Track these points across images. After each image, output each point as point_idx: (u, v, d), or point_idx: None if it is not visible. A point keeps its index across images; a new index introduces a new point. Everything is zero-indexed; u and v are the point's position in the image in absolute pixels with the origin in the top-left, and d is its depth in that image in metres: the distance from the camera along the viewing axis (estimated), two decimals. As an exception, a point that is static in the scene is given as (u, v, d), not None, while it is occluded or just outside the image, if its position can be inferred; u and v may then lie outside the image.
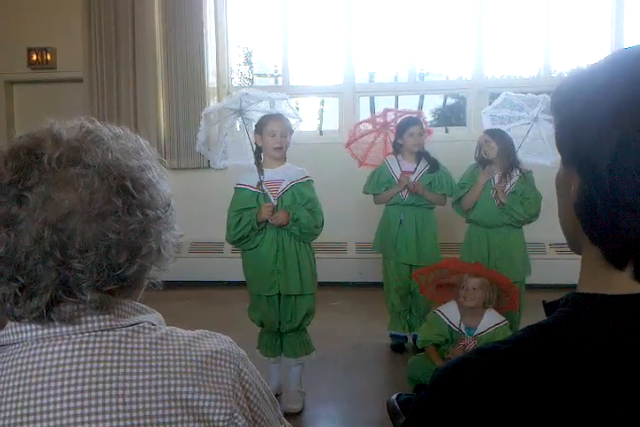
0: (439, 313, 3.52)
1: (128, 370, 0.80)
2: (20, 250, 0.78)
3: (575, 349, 0.60)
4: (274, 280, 3.27)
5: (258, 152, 3.34)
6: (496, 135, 4.02)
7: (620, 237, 0.60)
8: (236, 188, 3.34)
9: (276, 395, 3.40)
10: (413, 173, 4.19)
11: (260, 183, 3.24)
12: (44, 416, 0.77)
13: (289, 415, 3.20)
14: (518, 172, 3.98)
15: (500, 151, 3.97)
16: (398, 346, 4.28)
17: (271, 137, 3.22)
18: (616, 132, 0.59)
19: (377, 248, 4.47)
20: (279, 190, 3.25)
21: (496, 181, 3.99)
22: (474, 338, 3.40)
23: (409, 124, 4.20)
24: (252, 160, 3.37)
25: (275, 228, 3.22)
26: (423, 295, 3.96)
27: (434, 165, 4.19)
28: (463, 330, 3.44)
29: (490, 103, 6.34)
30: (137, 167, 0.86)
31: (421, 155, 4.22)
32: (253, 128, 3.42)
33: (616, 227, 0.60)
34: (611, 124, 0.60)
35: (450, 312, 3.50)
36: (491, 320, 3.44)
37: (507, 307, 3.61)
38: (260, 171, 3.26)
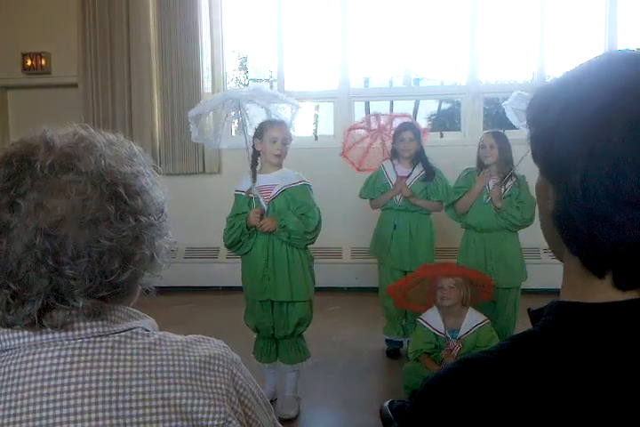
0: (421, 321, 3.53)
1: (121, 376, 0.80)
2: (12, 257, 0.78)
3: (559, 358, 0.61)
4: (264, 286, 3.26)
5: (254, 156, 3.34)
6: (499, 140, 3.98)
7: (597, 247, 0.61)
8: (235, 193, 3.37)
9: (271, 400, 3.40)
10: (407, 177, 4.21)
11: (249, 189, 3.25)
12: (37, 423, 0.77)
13: (284, 421, 3.20)
14: (513, 177, 3.98)
15: (499, 157, 3.96)
16: (393, 351, 4.27)
17: (272, 143, 3.22)
18: (587, 143, 0.59)
19: (372, 253, 4.47)
20: (270, 195, 3.25)
21: (491, 186, 3.99)
22: (458, 340, 3.42)
23: (400, 130, 4.24)
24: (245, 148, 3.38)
25: (265, 233, 3.22)
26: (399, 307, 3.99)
27: (430, 173, 4.19)
28: (447, 334, 3.44)
29: (484, 109, 6.38)
30: (130, 174, 0.85)
31: (417, 160, 4.23)
32: (251, 123, 3.44)
33: (592, 237, 0.60)
34: (583, 133, 0.60)
35: (431, 319, 3.51)
36: (472, 320, 3.46)
37: (480, 297, 3.63)
38: (253, 176, 3.27)
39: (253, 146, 3.33)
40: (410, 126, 4.27)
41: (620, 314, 0.61)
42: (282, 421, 3.16)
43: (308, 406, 3.48)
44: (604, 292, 0.62)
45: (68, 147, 0.84)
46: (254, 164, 3.33)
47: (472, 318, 3.46)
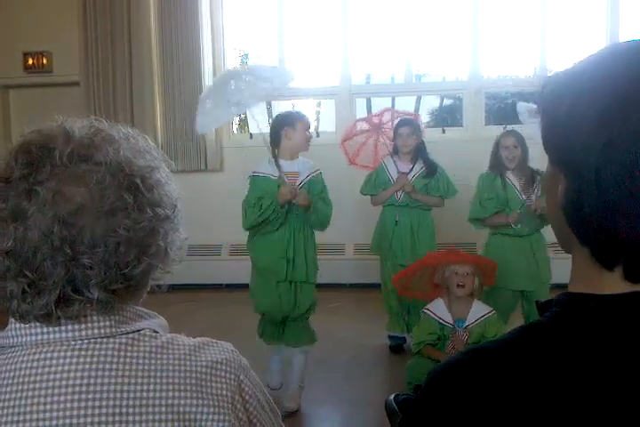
0: (427, 311, 3.53)
1: (126, 380, 0.79)
2: (29, 245, 0.77)
3: (567, 348, 0.61)
4: (282, 265, 3.38)
5: (275, 143, 3.45)
6: (520, 139, 3.81)
7: (608, 238, 0.60)
8: (253, 176, 3.45)
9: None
10: (409, 173, 4.21)
11: (281, 175, 3.35)
12: (40, 424, 0.77)
13: (287, 414, 3.23)
14: (537, 176, 3.83)
15: (522, 158, 3.81)
16: (396, 347, 4.28)
17: (307, 131, 3.46)
18: (603, 133, 0.59)
19: (374, 250, 4.48)
20: (298, 183, 3.41)
21: (519, 189, 3.81)
22: (465, 330, 3.42)
23: (399, 126, 4.25)
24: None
25: (291, 216, 3.36)
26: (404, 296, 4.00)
27: (431, 169, 4.19)
28: (453, 324, 3.44)
29: (486, 104, 6.37)
30: (146, 167, 0.85)
31: (418, 156, 4.23)
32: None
33: (604, 229, 0.60)
34: (598, 124, 0.60)
35: (437, 308, 3.51)
36: (479, 311, 3.46)
37: (484, 283, 3.66)
38: (277, 163, 3.39)
39: (278, 134, 3.43)
40: (408, 122, 4.27)
41: (630, 305, 0.60)
42: (284, 415, 3.17)
43: (310, 403, 3.48)
44: (613, 284, 0.62)
45: (87, 138, 0.83)
46: (275, 151, 3.45)
47: (478, 309, 3.47)
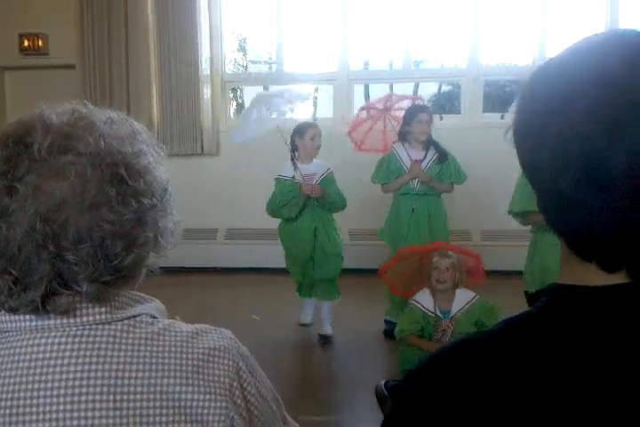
0: (414, 302, 3.54)
1: (121, 366, 0.79)
2: (13, 242, 0.76)
3: (553, 338, 0.61)
4: (308, 244, 4.15)
5: (293, 151, 4.16)
6: None
7: (575, 232, 0.62)
8: (278, 178, 4.17)
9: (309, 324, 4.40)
10: (423, 161, 4.18)
11: (299, 176, 4.12)
12: (34, 409, 0.76)
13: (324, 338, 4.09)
14: None
15: None
16: (391, 332, 4.29)
17: (311, 140, 4.11)
18: (551, 135, 0.60)
19: (385, 237, 4.44)
20: (314, 182, 4.11)
21: None
22: (451, 320, 3.42)
23: (418, 111, 4.17)
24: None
25: (312, 208, 4.11)
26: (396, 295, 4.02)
27: (443, 155, 4.19)
28: (439, 314, 3.44)
29: (485, 91, 6.36)
30: (131, 153, 0.82)
31: (429, 143, 4.20)
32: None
33: (569, 224, 0.62)
34: (545, 124, 0.60)
35: (423, 299, 3.52)
36: (462, 299, 3.47)
37: (471, 283, 3.61)
38: (295, 165, 4.14)
39: (295, 143, 4.14)
40: (426, 108, 4.24)
41: (610, 298, 0.61)
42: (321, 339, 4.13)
43: (307, 385, 3.51)
44: (595, 275, 0.62)
45: (67, 126, 0.80)
46: (293, 156, 4.18)
47: (461, 297, 3.47)
